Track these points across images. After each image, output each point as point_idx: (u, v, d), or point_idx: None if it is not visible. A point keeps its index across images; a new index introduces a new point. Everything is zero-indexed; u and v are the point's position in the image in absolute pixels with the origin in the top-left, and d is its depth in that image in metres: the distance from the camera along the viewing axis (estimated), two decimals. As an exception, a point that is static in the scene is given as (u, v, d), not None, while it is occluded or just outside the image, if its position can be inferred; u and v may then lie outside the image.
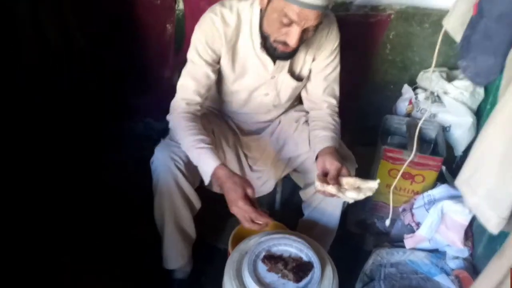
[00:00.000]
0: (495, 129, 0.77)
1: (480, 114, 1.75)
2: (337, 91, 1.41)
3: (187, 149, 1.23)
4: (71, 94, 2.15)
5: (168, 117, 1.31)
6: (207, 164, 1.18)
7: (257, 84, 1.36)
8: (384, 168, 1.63)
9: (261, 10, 1.21)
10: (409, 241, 1.47)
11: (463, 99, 1.69)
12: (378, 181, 1.15)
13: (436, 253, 1.49)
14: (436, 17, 1.80)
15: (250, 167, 1.45)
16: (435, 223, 1.40)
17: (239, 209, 1.11)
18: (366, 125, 1.97)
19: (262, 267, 1.12)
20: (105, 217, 1.76)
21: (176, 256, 1.40)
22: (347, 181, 1.18)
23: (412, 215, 1.52)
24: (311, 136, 1.36)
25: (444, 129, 1.71)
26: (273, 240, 1.19)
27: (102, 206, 1.81)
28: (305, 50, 1.31)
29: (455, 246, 1.42)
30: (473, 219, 1.49)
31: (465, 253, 1.45)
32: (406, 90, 1.83)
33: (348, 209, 1.62)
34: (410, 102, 1.80)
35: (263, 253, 1.15)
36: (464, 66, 0.99)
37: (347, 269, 1.27)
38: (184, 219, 1.34)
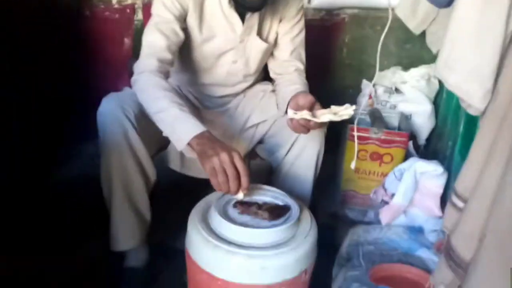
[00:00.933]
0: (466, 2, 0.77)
1: (438, 104, 1.80)
2: (303, 56, 1.39)
3: (164, 110, 1.04)
4: (20, 113, 2.00)
5: (135, 78, 1.13)
6: (189, 125, 1.01)
7: (224, 48, 1.28)
8: (351, 151, 1.58)
9: None
10: (384, 215, 1.39)
11: (420, 87, 1.74)
12: (354, 107, 1.09)
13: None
14: (386, 19, 1.91)
15: None
16: (410, 188, 1.33)
17: (222, 158, 0.93)
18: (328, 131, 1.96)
19: (233, 211, 0.98)
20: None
21: (126, 233, 1.19)
22: (321, 112, 1.11)
23: (385, 190, 1.46)
24: (280, 93, 1.30)
25: (406, 118, 1.73)
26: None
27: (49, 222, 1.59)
28: (271, 12, 1.29)
29: (433, 214, 1.35)
30: (445, 195, 1.45)
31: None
32: (366, 85, 1.87)
33: (318, 203, 1.52)
34: (370, 97, 1.83)
35: (234, 200, 1.02)
36: (424, -11, 1.01)
37: (321, 265, 1.09)
38: (136, 188, 1.16)
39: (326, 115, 1.09)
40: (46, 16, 2.03)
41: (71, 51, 2.17)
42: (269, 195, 1.05)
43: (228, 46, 1.28)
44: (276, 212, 0.96)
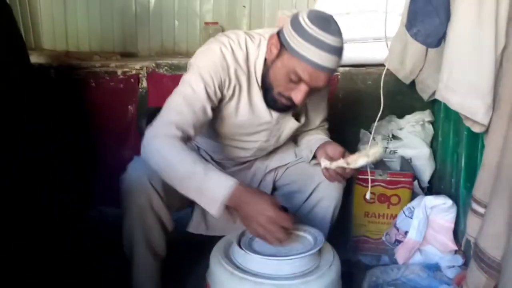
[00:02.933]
0: (459, 26, 0.86)
1: (435, 148, 1.87)
2: (326, 113, 1.46)
3: (188, 174, 1.00)
4: (24, 181, 2.02)
5: (148, 140, 1.06)
6: (222, 182, 0.98)
7: (259, 129, 1.25)
8: (359, 194, 1.61)
9: (265, 60, 1.14)
10: (400, 253, 1.38)
11: (416, 132, 1.83)
12: (379, 143, 1.15)
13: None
14: (376, 75, 2.06)
15: None
16: (423, 223, 1.35)
17: (269, 218, 0.93)
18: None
19: (258, 243, 0.98)
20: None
21: (147, 278, 1.21)
22: (353, 158, 1.16)
23: (397, 229, 1.46)
24: (304, 141, 1.35)
25: (407, 161, 1.79)
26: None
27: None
28: None
29: (448, 250, 1.35)
30: (457, 230, 1.46)
31: (459, 260, 1.37)
32: (363, 133, 1.94)
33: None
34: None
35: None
36: (415, 33, 1.13)
37: None
38: (156, 239, 1.19)
39: (360, 159, 1.13)
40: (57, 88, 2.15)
41: (78, 120, 2.25)
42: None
43: (264, 127, 1.26)
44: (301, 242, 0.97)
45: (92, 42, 3.03)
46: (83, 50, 3.01)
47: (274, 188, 1.43)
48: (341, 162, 1.13)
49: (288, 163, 1.39)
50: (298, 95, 1.09)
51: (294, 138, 1.45)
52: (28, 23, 2.88)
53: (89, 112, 2.26)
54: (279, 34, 1.11)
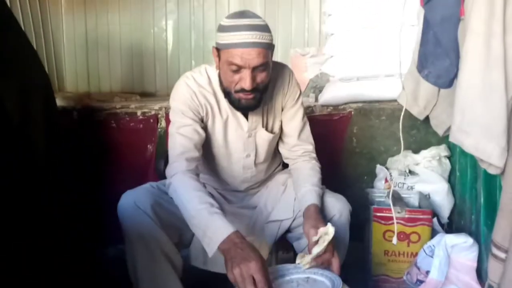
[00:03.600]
0: (468, 69, 0.89)
1: (453, 183, 1.86)
2: (311, 138, 1.47)
3: (195, 213, 1.11)
4: (42, 220, 2.07)
5: (168, 181, 1.20)
6: (220, 228, 1.06)
7: (236, 145, 1.37)
8: (378, 232, 1.60)
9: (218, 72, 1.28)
10: (422, 293, 1.35)
11: (432, 167, 1.82)
12: (329, 224, 1.09)
13: (454, 308, 1.36)
14: (390, 110, 2.08)
15: None
16: (444, 262, 1.33)
17: (248, 269, 0.97)
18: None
19: None
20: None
21: None
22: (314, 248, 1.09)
23: (418, 268, 1.44)
24: (297, 196, 1.35)
25: (425, 197, 1.77)
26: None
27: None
28: (272, 104, 1.39)
29: (472, 289, 1.32)
30: (480, 268, 1.43)
31: (484, 301, 1.34)
32: (380, 169, 1.95)
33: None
34: (386, 180, 1.90)
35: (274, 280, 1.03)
36: (426, 74, 1.16)
37: None
38: (164, 273, 1.19)
39: (314, 249, 1.08)
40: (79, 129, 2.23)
41: (98, 161, 2.31)
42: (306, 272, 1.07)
43: (240, 142, 1.37)
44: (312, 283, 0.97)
45: (112, 83, 3.15)
46: (104, 91, 3.12)
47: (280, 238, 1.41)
48: (308, 259, 1.08)
49: (293, 220, 1.38)
50: (245, 81, 1.18)
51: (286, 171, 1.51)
52: (52, 67, 3.01)
53: (110, 152, 2.33)
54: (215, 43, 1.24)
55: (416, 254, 1.56)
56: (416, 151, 2.01)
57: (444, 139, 1.96)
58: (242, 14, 1.20)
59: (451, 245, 1.34)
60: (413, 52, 1.84)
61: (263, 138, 1.40)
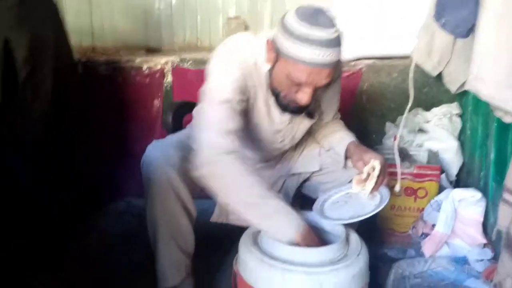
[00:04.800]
0: (490, 15, 0.85)
1: (462, 141, 1.84)
2: (339, 104, 1.44)
3: (259, 198, 1.00)
4: (52, 173, 2.08)
5: (209, 158, 1.04)
6: (292, 221, 0.98)
7: (273, 131, 1.27)
8: (384, 187, 1.60)
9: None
10: (427, 246, 1.37)
11: (443, 125, 1.80)
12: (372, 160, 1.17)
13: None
14: (402, 67, 2.03)
15: None
16: (450, 216, 1.33)
17: None
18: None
19: None
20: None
21: (172, 268, 1.20)
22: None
23: (425, 222, 1.45)
24: (332, 142, 1.35)
25: (434, 154, 1.76)
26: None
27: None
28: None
29: (476, 243, 1.33)
30: (486, 224, 1.44)
31: (488, 254, 1.35)
32: (389, 126, 1.92)
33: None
34: (395, 138, 1.88)
35: None
36: (444, 23, 1.11)
37: None
38: (181, 227, 1.19)
39: (370, 183, 1.15)
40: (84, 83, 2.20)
41: (104, 115, 2.30)
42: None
43: (278, 128, 1.27)
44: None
45: (117, 38, 3.08)
46: (109, 46, 3.07)
47: (296, 194, 1.42)
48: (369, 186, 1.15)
49: (313, 173, 1.39)
50: (302, 97, 1.07)
51: (312, 133, 1.46)
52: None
53: (115, 107, 2.32)
54: (274, 38, 1.08)
55: (423, 209, 1.57)
56: (427, 109, 1.98)
57: (455, 97, 1.92)
58: (316, 20, 1.00)
59: (458, 199, 1.34)
60: (429, 5, 1.78)
61: (304, 124, 1.31)
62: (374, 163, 1.15)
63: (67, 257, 1.66)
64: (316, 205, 1.14)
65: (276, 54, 1.07)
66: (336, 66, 1.07)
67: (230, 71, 1.11)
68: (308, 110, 1.25)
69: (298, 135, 1.34)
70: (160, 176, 1.13)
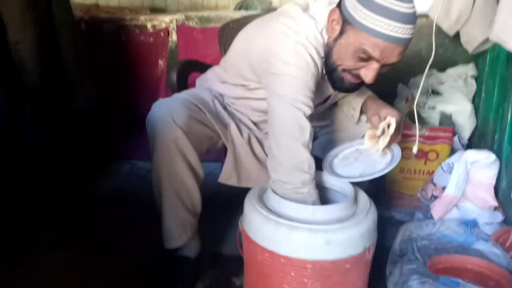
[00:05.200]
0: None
1: (476, 105, 1.78)
2: None
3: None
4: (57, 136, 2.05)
5: (291, 184, 0.98)
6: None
7: (320, 100, 1.22)
8: (394, 149, 1.56)
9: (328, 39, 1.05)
10: (436, 208, 1.34)
11: (457, 87, 1.73)
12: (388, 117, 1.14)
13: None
14: (416, 27, 1.93)
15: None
16: (462, 178, 1.29)
17: None
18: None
19: None
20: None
21: (178, 228, 1.19)
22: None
23: (434, 184, 1.41)
24: (349, 97, 1.29)
25: (447, 117, 1.71)
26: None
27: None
28: None
29: (487, 206, 1.30)
30: (498, 187, 1.40)
31: (499, 217, 1.32)
32: (401, 88, 1.86)
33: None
34: (407, 100, 1.82)
35: None
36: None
37: (374, 265, 1.06)
38: (187, 186, 1.17)
39: (384, 140, 1.11)
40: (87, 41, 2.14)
41: (108, 75, 2.26)
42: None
43: (319, 100, 1.21)
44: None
45: (121, -4, 3.00)
46: (113, 5, 2.98)
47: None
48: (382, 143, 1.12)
49: (322, 129, 1.35)
50: (368, 74, 0.99)
51: None
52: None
53: (119, 66, 2.26)
54: (340, 7, 1.00)
55: (433, 172, 1.53)
56: (441, 70, 1.91)
57: (471, 58, 1.84)
58: None
59: (471, 161, 1.30)
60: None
61: (336, 97, 1.27)
62: (390, 120, 1.11)
63: (71, 215, 1.67)
64: (325, 161, 1.11)
65: (343, 24, 0.98)
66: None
67: (302, 72, 1.01)
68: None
69: (329, 102, 1.28)
70: (166, 135, 1.10)
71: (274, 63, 1.01)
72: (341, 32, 0.99)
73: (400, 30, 0.92)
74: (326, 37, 1.04)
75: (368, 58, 0.97)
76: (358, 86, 1.09)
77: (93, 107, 1.98)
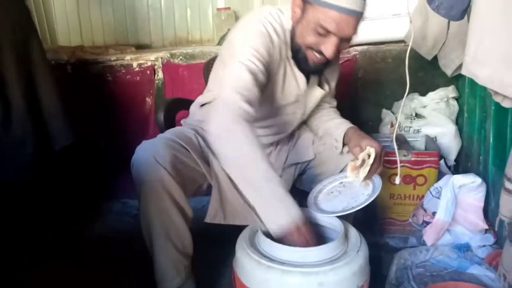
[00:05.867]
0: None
1: (460, 125, 1.81)
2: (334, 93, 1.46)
3: (263, 177, 0.96)
4: (46, 174, 2.04)
5: (223, 120, 1.00)
6: (288, 209, 0.94)
7: (289, 101, 1.27)
8: (383, 176, 1.57)
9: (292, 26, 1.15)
10: (429, 234, 1.35)
11: (440, 110, 1.77)
12: (368, 147, 1.16)
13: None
14: (396, 52, 2.00)
15: None
16: (451, 203, 1.31)
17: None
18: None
19: None
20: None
21: (171, 270, 1.17)
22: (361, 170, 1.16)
23: (425, 210, 1.43)
24: (329, 128, 1.33)
25: (432, 140, 1.73)
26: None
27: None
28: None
29: (478, 229, 1.31)
30: (487, 208, 1.42)
31: (490, 239, 1.34)
32: (385, 113, 1.90)
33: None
34: (392, 125, 1.85)
35: None
36: (437, 6, 1.07)
37: None
38: (177, 227, 1.16)
39: (364, 170, 1.14)
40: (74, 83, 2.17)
41: (96, 115, 2.27)
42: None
43: (292, 99, 1.27)
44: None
45: (106, 35, 3.04)
46: (98, 44, 3.02)
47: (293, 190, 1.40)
48: (362, 174, 1.14)
49: (308, 164, 1.37)
50: (328, 48, 1.07)
51: (307, 121, 1.44)
52: (43, 20, 2.90)
53: (107, 106, 2.28)
54: None
55: (422, 196, 1.55)
56: (423, 93, 1.94)
57: (452, 80, 1.89)
58: None
59: (458, 186, 1.32)
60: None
61: (315, 95, 1.32)
62: (370, 150, 1.14)
63: (64, 255, 1.64)
64: (310, 198, 1.12)
65: (304, 6, 1.09)
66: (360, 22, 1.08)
67: (251, 35, 1.12)
68: (321, 81, 1.31)
69: (308, 109, 1.34)
70: (152, 177, 1.09)
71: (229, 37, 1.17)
72: (302, 14, 1.10)
73: (352, 2, 1.01)
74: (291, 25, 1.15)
75: (326, 33, 1.06)
76: (323, 67, 1.17)
77: (74, 147, 1.97)
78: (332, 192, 1.16)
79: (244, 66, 1.06)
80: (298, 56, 1.16)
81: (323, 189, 1.17)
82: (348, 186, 1.17)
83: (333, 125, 1.33)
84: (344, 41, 1.09)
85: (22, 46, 1.49)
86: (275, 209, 0.94)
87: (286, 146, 1.42)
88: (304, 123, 1.46)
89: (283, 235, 0.93)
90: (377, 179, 1.14)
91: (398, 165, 1.23)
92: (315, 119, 1.43)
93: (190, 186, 1.21)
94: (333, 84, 1.41)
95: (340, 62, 2.02)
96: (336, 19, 1.02)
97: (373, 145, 1.17)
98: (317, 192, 1.15)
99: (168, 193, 1.11)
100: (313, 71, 1.21)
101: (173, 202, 1.13)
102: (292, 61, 1.20)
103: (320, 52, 1.10)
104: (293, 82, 1.23)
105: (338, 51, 1.10)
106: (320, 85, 1.33)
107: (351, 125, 1.32)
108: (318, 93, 1.31)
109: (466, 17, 1.07)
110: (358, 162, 1.16)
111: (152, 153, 1.10)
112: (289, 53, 1.19)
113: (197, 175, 1.19)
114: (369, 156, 1.15)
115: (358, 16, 1.04)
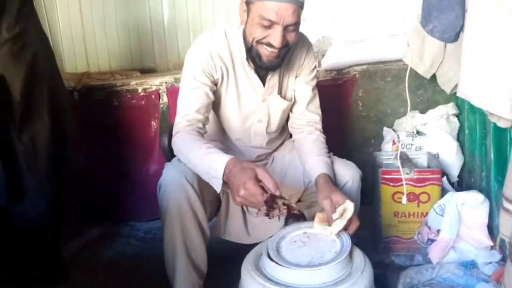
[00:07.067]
0: (478, 19, 0.84)
1: (462, 141, 1.83)
2: (319, 110, 1.45)
3: (196, 161, 1.14)
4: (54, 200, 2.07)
5: (173, 140, 1.25)
6: (219, 162, 1.09)
7: (249, 109, 1.36)
8: (387, 194, 1.59)
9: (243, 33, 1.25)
10: (434, 252, 1.35)
11: (441, 126, 1.79)
12: (347, 201, 1.07)
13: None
14: (395, 71, 2.03)
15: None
16: (455, 220, 1.32)
17: (247, 191, 1.00)
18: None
19: (287, 252, 1.00)
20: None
21: None
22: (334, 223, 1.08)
23: (429, 228, 1.43)
24: (305, 168, 1.34)
25: (434, 157, 1.75)
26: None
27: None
28: (288, 71, 1.38)
29: (483, 246, 1.32)
30: (492, 224, 1.42)
31: (496, 256, 1.34)
32: (387, 132, 1.92)
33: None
34: (394, 143, 1.87)
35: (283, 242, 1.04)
36: (431, 29, 1.10)
37: None
38: (196, 247, 1.19)
39: (338, 224, 1.06)
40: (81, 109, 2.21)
41: (103, 138, 2.30)
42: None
43: (252, 106, 1.36)
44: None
45: (111, 61, 3.10)
46: (103, 69, 3.08)
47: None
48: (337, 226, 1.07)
49: (303, 193, 1.40)
50: (275, 37, 1.15)
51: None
52: (50, 48, 2.97)
53: (113, 131, 2.32)
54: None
55: (426, 214, 1.55)
56: (423, 111, 1.97)
57: (451, 97, 1.92)
58: None
59: (461, 203, 1.33)
60: (418, 8, 1.78)
61: (277, 104, 1.38)
62: (348, 205, 1.06)
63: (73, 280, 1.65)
64: (272, 243, 1.04)
65: (247, 8, 1.18)
66: (301, 10, 1.17)
67: (191, 59, 1.29)
68: (281, 91, 1.38)
69: (274, 117, 1.40)
70: (180, 194, 1.15)
71: None
72: (248, 15, 1.19)
73: None
74: (237, 36, 1.28)
75: (271, 24, 1.14)
76: (278, 61, 1.23)
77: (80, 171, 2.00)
78: (295, 242, 1.08)
79: (184, 96, 1.28)
80: (252, 54, 1.23)
81: (286, 235, 1.10)
82: (313, 238, 1.09)
83: (308, 167, 1.31)
84: (290, 31, 1.17)
85: (49, 78, 1.55)
86: (209, 163, 1.11)
87: (274, 172, 1.43)
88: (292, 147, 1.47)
89: (226, 180, 1.06)
90: (346, 238, 1.04)
91: (404, 184, 1.23)
92: (298, 154, 1.41)
93: (209, 208, 1.27)
94: (305, 94, 1.41)
95: (340, 82, 2.08)
96: (274, 8, 1.11)
97: (348, 200, 1.10)
98: (280, 238, 1.08)
99: (193, 212, 1.17)
100: (269, 67, 1.26)
101: (196, 222, 1.18)
102: (246, 64, 1.29)
103: (270, 45, 1.17)
104: (249, 86, 1.33)
105: (285, 40, 1.17)
106: (282, 94, 1.38)
107: (323, 170, 1.25)
108: (280, 102, 1.37)
109: (461, 38, 1.11)
110: (336, 216, 1.07)
111: (180, 172, 1.19)
112: (243, 55, 1.28)
113: (214, 196, 1.27)
114: (345, 210, 1.07)
115: (297, 5, 1.13)
